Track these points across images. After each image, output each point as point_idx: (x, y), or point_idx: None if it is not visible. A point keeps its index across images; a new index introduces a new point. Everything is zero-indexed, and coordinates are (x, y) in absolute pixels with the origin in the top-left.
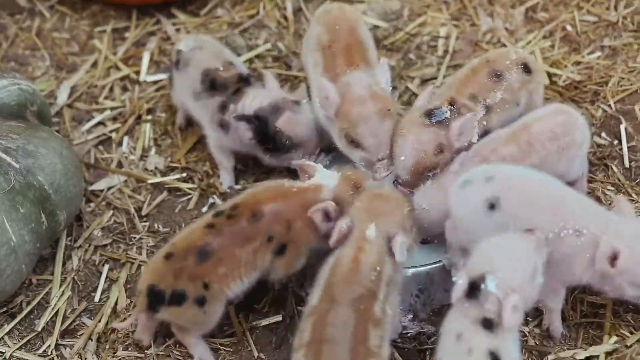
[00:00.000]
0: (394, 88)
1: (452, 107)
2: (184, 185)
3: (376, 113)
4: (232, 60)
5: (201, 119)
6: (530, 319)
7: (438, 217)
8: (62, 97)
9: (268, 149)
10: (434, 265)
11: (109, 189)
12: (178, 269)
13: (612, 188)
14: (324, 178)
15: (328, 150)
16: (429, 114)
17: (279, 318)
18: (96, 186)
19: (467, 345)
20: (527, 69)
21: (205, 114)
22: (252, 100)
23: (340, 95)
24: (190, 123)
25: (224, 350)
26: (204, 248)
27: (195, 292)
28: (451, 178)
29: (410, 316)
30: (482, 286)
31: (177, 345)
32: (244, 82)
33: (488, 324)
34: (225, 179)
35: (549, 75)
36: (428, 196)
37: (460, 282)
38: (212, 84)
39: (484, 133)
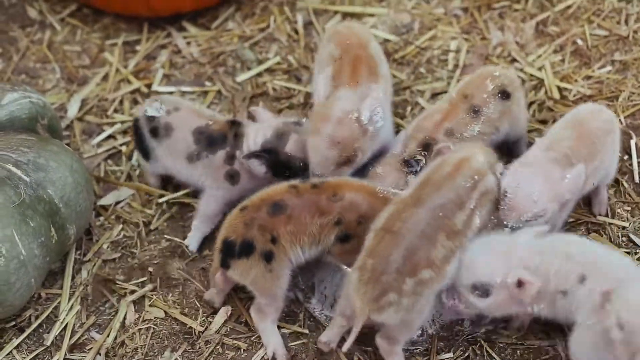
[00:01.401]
0: (405, 101)
1: (425, 152)
2: (192, 201)
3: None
4: (205, 111)
5: (200, 180)
6: None
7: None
8: (73, 110)
9: (286, 176)
10: None
11: (117, 203)
12: (250, 218)
13: (628, 208)
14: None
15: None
16: (406, 164)
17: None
18: (104, 201)
19: None
20: (505, 95)
21: (208, 173)
22: (255, 137)
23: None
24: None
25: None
26: (279, 202)
27: (264, 244)
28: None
29: (418, 332)
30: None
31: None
32: (236, 125)
33: None
34: (194, 241)
35: (559, 89)
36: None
37: None
38: (210, 140)
39: None
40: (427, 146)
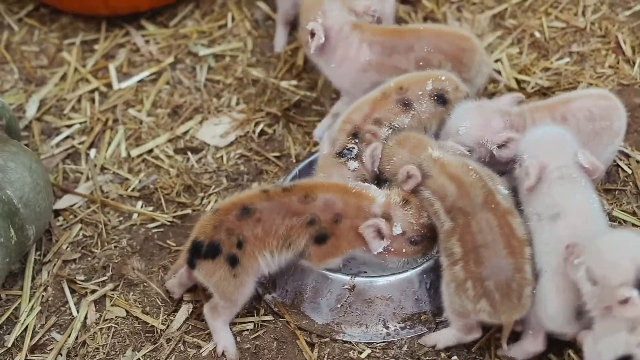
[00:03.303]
0: None
1: (356, 140)
2: (156, 215)
3: None
4: None
5: None
6: None
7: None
8: (31, 110)
9: None
10: (404, 274)
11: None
12: (219, 221)
13: None
14: (375, 192)
15: None
16: (340, 155)
17: (250, 326)
18: (61, 204)
19: None
20: (441, 100)
21: None
22: None
23: None
24: None
25: None
26: (248, 205)
27: (230, 248)
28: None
29: (379, 326)
30: None
31: (149, 358)
32: None
33: None
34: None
35: (518, 81)
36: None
37: (634, 294)
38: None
39: None
40: (355, 135)
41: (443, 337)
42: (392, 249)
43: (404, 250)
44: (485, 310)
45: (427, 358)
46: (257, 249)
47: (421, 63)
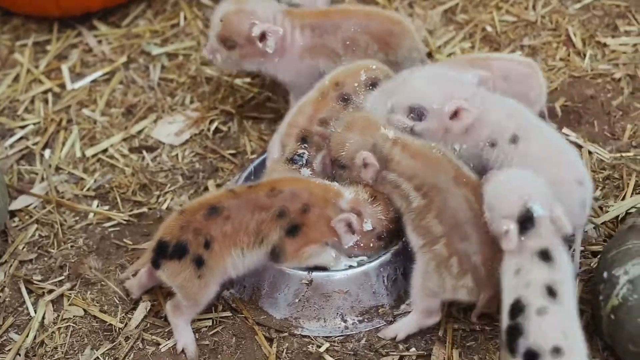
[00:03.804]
0: None
1: (305, 144)
2: (112, 215)
3: None
4: None
5: None
6: None
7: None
8: None
9: None
10: (361, 268)
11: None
12: (186, 221)
13: None
14: (340, 187)
15: None
16: (291, 161)
17: (208, 322)
18: (16, 204)
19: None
20: (375, 87)
21: None
22: None
23: None
24: None
25: None
26: (215, 205)
27: (196, 249)
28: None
29: (338, 320)
30: (534, 215)
31: (108, 357)
32: None
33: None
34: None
35: None
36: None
37: (512, 227)
38: None
39: None
40: (304, 139)
41: (404, 326)
42: (361, 244)
43: (371, 245)
44: (467, 287)
45: (386, 351)
46: (225, 247)
47: (347, 42)
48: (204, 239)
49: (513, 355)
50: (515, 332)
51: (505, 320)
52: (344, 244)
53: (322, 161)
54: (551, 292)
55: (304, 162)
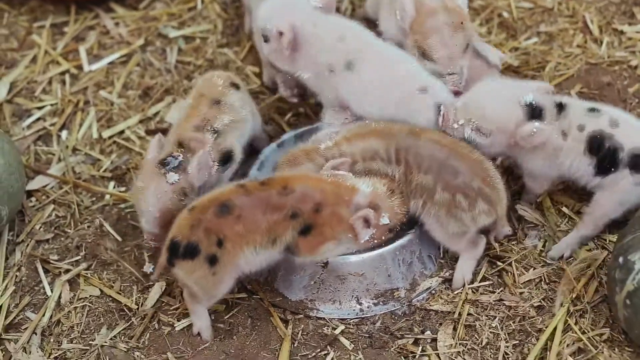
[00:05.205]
0: None
1: (182, 149)
2: (128, 196)
3: (448, 25)
4: None
5: None
6: None
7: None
8: (2, 93)
9: None
10: (377, 251)
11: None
12: (196, 220)
13: None
14: (358, 183)
15: None
16: (163, 163)
17: (224, 304)
18: (33, 184)
19: None
20: (235, 85)
21: None
22: None
23: (415, 9)
24: None
25: None
26: (225, 203)
27: (209, 248)
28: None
29: (353, 302)
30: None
31: (124, 336)
32: None
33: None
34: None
35: None
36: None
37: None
38: None
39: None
40: (180, 144)
41: (464, 270)
42: (374, 236)
43: (382, 237)
44: (484, 210)
45: (400, 333)
46: (238, 246)
47: None
48: (217, 237)
49: None
50: None
51: None
52: (361, 239)
53: (197, 163)
54: None
55: (176, 165)
